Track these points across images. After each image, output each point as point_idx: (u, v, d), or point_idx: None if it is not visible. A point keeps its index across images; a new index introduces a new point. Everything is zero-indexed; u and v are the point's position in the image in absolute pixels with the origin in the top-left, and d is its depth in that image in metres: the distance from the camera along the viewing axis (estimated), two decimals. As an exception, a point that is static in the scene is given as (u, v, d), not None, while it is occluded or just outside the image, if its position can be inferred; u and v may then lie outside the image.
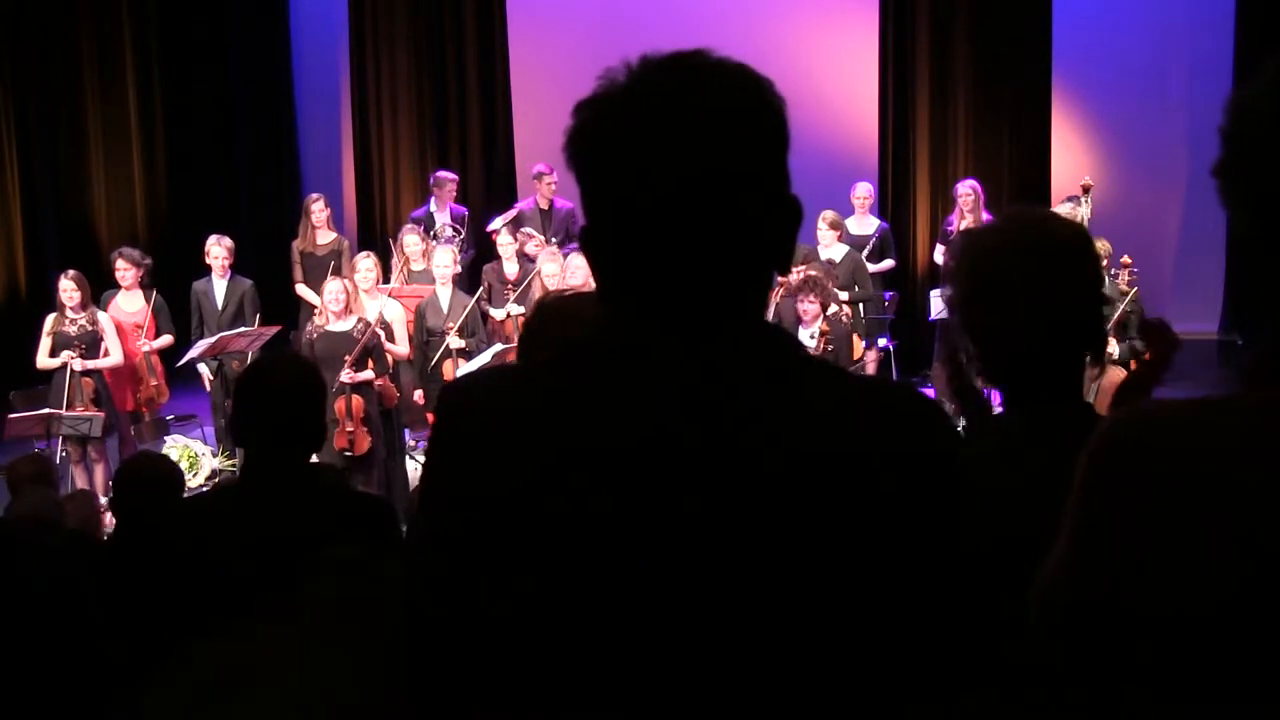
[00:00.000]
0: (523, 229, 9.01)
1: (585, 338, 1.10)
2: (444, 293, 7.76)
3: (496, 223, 9.41)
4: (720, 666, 1.01)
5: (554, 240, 8.90)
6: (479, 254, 9.57)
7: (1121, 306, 6.46)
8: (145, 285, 7.85)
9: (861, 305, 8.41)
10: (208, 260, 7.94)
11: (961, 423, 5.61)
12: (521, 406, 1.08)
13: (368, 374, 6.97)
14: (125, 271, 7.74)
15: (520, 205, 9.59)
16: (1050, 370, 1.63)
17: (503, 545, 1.04)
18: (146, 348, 7.74)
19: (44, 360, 7.29)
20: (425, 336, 7.68)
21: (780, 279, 7.29)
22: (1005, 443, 1.65)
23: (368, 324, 7.03)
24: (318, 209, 8.75)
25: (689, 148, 1.02)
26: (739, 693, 1.01)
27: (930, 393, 7.36)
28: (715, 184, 1.03)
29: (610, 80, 1.06)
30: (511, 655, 1.04)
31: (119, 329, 7.52)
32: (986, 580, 1.17)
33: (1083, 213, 7.07)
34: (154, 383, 7.77)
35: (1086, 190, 7.32)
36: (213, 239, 8.01)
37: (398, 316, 7.57)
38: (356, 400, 6.92)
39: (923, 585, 1.04)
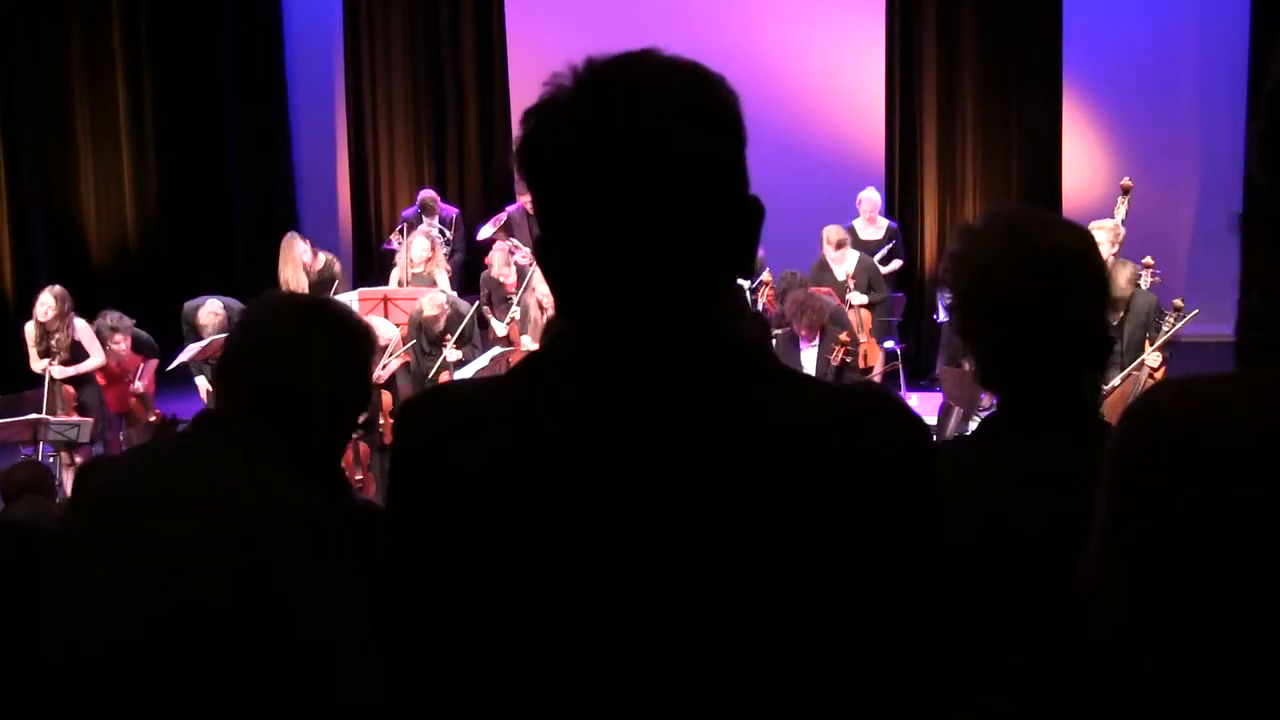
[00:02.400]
0: (510, 240, 9.05)
1: (544, 350, 1.11)
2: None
3: (486, 230, 9.45)
4: (682, 679, 1.01)
5: None
6: (469, 256, 9.60)
7: (1177, 325, 6.43)
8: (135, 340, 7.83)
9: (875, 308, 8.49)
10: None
11: (972, 425, 5.61)
12: (476, 420, 1.09)
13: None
14: (122, 343, 7.65)
15: (509, 209, 9.63)
16: (1048, 381, 1.63)
17: (460, 557, 1.05)
18: (141, 389, 7.76)
19: (35, 365, 7.37)
20: (425, 347, 7.69)
21: (770, 285, 7.20)
22: (994, 454, 1.64)
23: None
24: (300, 251, 8.37)
25: (640, 153, 1.02)
26: (703, 704, 1.01)
27: (939, 396, 7.39)
28: (669, 189, 1.02)
29: (556, 85, 1.05)
30: (478, 665, 1.05)
31: (111, 372, 7.56)
32: (959, 592, 1.18)
33: (1119, 214, 7.05)
34: (152, 418, 7.80)
35: (1126, 191, 7.29)
36: (210, 309, 7.81)
37: (393, 335, 7.55)
38: (363, 447, 6.93)
39: (891, 596, 1.04)
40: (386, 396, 7.25)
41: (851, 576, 1.02)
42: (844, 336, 7.08)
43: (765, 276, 8.09)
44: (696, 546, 1.01)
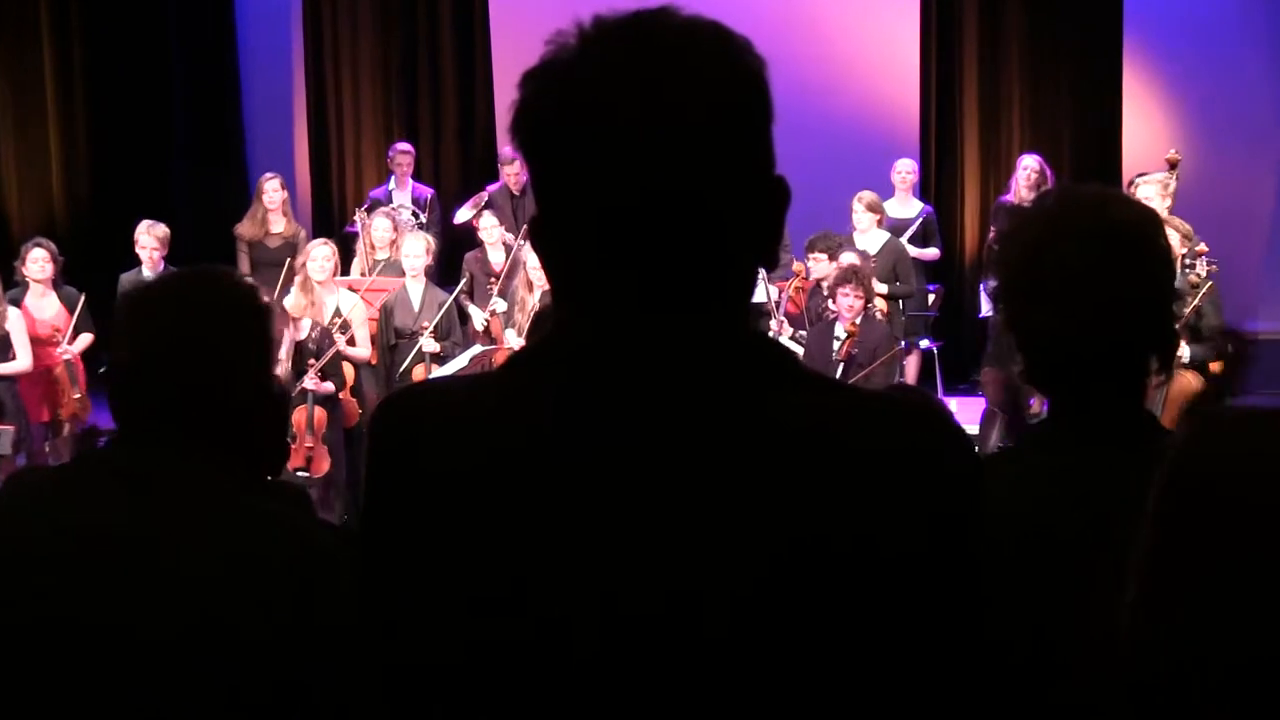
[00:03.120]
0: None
1: (537, 345, 1.13)
2: (415, 287, 7.77)
3: (464, 213, 9.43)
4: (682, 690, 1.03)
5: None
6: (446, 240, 9.59)
7: (1192, 303, 6.42)
8: (58, 284, 7.85)
9: (902, 301, 8.41)
10: (137, 251, 7.94)
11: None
12: (462, 421, 1.11)
13: (327, 386, 6.98)
14: (44, 264, 7.67)
15: (490, 188, 9.62)
16: (1109, 380, 1.62)
17: (447, 568, 1.08)
18: (67, 355, 7.74)
19: None
20: (393, 339, 7.69)
21: (803, 277, 7.24)
22: (1043, 468, 1.64)
23: (326, 331, 7.03)
24: (272, 189, 8.76)
25: (650, 123, 1.03)
26: None
27: (981, 401, 7.38)
28: (682, 164, 1.04)
29: (559, 46, 1.07)
30: (469, 678, 1.08)
31: (34, 334, 7.55)
32: (1004, 640, 1.19)
33: (1165, 183, 7.03)
34: (76, 395, 7.76)
35: (1173, 165, 7.28)
36: (144, 226, 8.00)
37: (358, 313, 7.57)
38: (319, 413, 6.92)
39: (918, 618, 1.05)
40: (352, 406, 7.26)
41: (871, 595, 1.03)
42: (851, 326, 7.07)
43: (797, 267, 7.98)
44: (702, 557, 1.02)
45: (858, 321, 7.11)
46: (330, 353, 6.97)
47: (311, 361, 6.87)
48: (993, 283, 1.71)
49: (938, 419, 1.09)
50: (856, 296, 7.08)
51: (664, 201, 1.04)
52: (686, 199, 1.04)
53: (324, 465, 6.90)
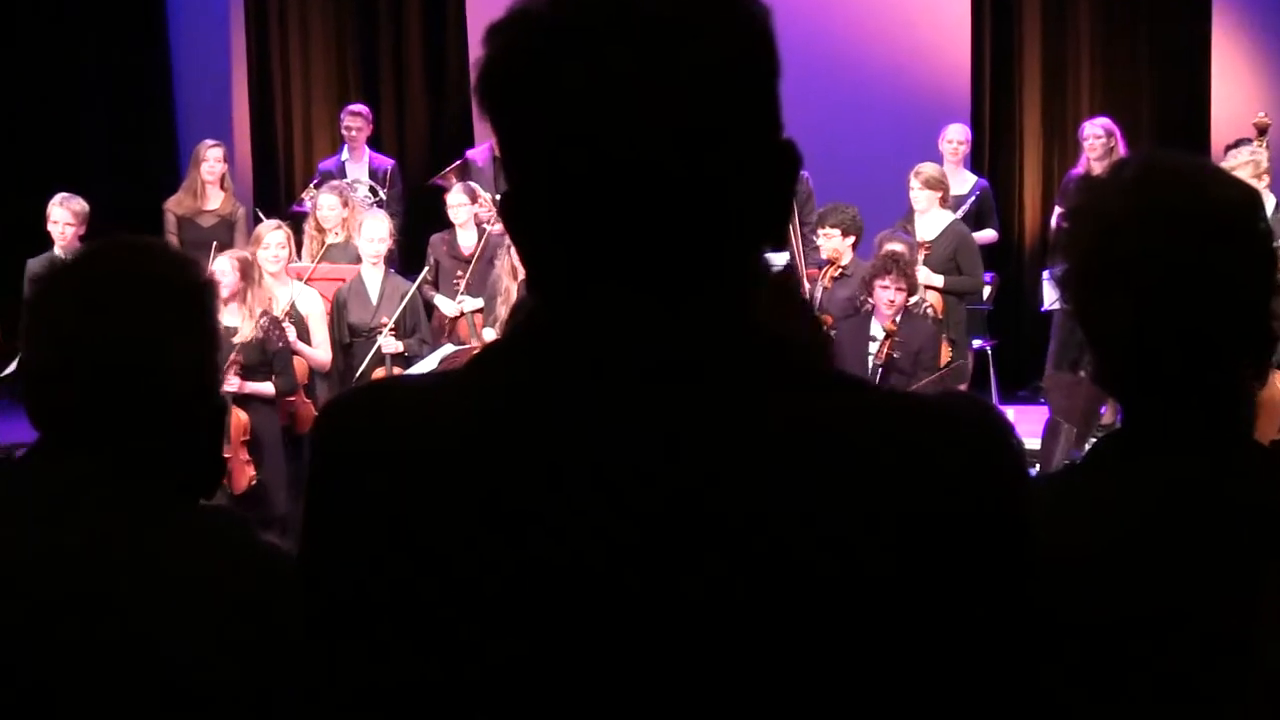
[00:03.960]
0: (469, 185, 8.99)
1: (508, 340, 1.16)
2: (373, 276, 7.77)
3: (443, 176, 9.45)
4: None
5: None
6: (411, 219, 9.60)
7: None
8: None
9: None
10: (48, 228, 7.93)
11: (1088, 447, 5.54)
12: (420, 424, 1.13)
13: (264, 387, 6.95)
14: None
15: (470, 154, 9.63)
16: (1193, 384, 1.62)
17: (392, 611, 1.10)
18: None
19: None
20: (347, 337, 7.69)
21: (838, 263, 7.22)
22: (1115, 483, 1.64)
23: (275, 320, 7.01)
24: (214, 159, 8.81)
25: (637, 85, 1.04)
26: None
27: (1044, 410, 7.36)
28: (675, 133, 1.05)
29: None
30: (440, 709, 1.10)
31: None
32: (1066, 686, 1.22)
33: (1258, 161, 7.06)
34: None
35: (1262, 131, 7.30)
36: (56, 200, 8.00)
37: (316, 310, 7.55)
38: (238, 418, 6.88)
39: (945, 659, 1.06)
40: (306, 410, 7.27)
41: (884, 634, 1.04)
42: (890, 325, 7.07)
43: (832, 251, 7.81)
44: (681, 561, 1.04)
45: (898, 320, 7.08)
46: (251, 335, 6.92)
47: (234, 356, 6.81)
48: (1059, 268, 1.71)
49: (989, 429, 1.09)
50: (898, 290, 7.06)
51: (652, 166, 1.05)
52: (678, 163, 1.05)
53: (244, 480, 6.86)
